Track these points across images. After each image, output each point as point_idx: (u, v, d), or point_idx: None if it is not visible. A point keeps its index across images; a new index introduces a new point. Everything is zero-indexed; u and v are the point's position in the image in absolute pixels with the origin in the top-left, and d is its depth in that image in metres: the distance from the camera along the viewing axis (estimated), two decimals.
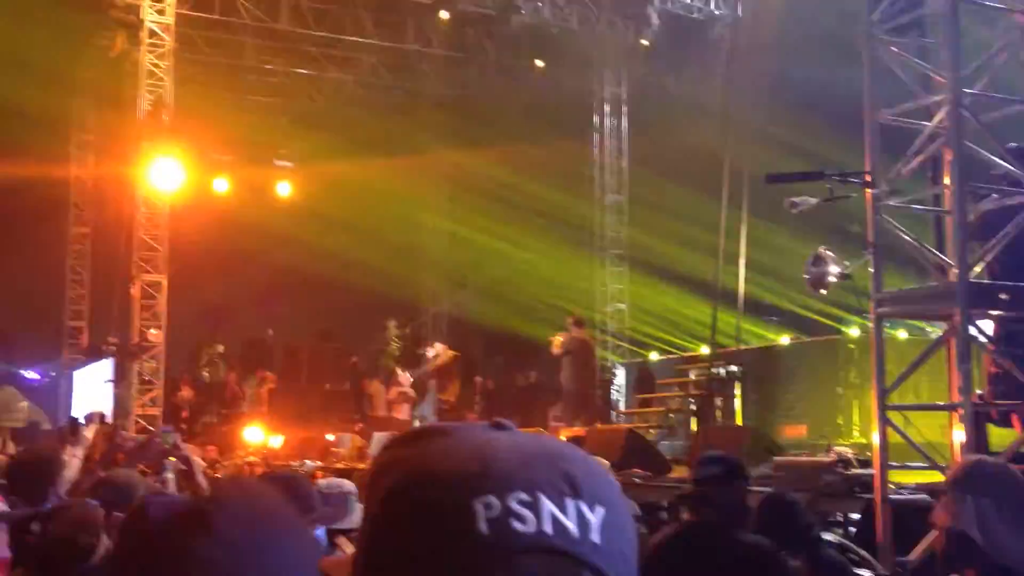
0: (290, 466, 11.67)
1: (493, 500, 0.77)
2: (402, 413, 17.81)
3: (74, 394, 21.06)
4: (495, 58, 19.07)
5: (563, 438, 12.10)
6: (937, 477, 5.75)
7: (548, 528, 0.77)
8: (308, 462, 13.15)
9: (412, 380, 17.02)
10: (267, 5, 17.72)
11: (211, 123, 18.55)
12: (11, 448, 10.44)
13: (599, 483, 0.82)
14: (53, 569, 3.18)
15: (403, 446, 0.85)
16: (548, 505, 0.77)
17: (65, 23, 16.88)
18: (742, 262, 6.93)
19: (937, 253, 6.38)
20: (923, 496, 6.11)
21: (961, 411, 5.94)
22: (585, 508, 0.79)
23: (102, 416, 7.06)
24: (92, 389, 18.70)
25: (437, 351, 16.47)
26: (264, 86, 20.47)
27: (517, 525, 0.76)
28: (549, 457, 0.81)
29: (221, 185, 19.83)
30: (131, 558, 1.20)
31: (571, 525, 0.77)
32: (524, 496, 0.77)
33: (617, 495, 0.83)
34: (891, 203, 6.49)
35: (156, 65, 15.81)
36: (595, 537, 0.78)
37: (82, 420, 7.55)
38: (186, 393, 17.96)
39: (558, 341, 14.85)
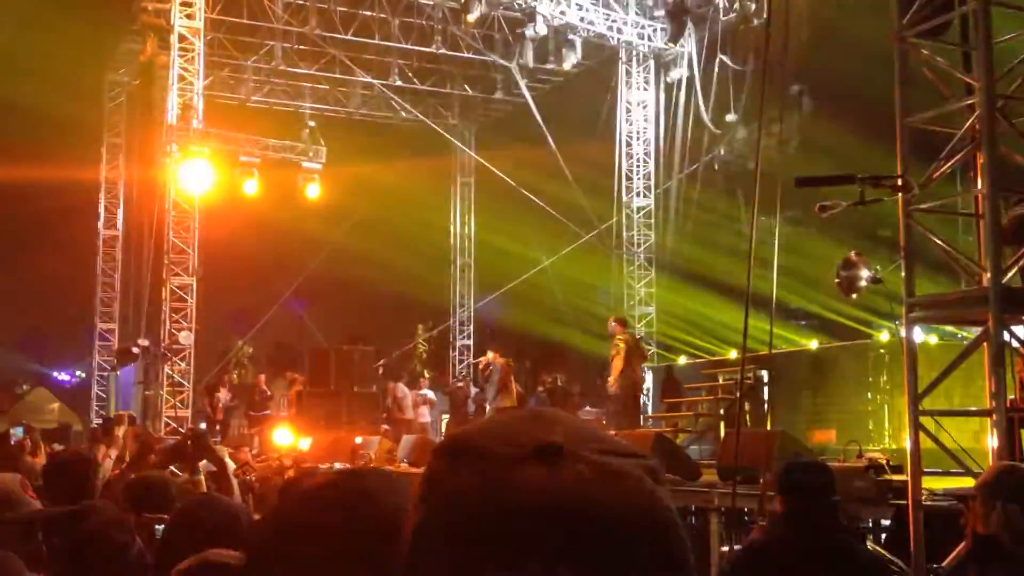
0: (319, 468, 11.71)
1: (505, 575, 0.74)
2: (423, 416, 17.88)
3: (105, 396, 21.27)
4: (521, 61, 19.09)
5: None
6: (969, 483, 5.69)
7: None
8: (337, 464, 13.21)
9: (474, 392, 16.40)
10: (295, 9, 17.86)
11: (240, 126, 18.68)
12: (42, 449, 10.55)
13: (633, 540, 0.76)
14: (88, 567, 3.21)
15: (435, 476, 0.81)
16: None
17: (95, 28, 17.07)
18: (775, 266, 6.88)
19: (969, 258, 6.32)
20: (954, 502, 6.05)
21: (995, 417, 5.88)
22: None
23: (132, 418, 7.12)
24: (123, 390, 18.89)
25: (489, 359, 15.84)
26: (292, 89, 20.60)
27: None
28: (578, 519, 0.75)
29: (250, 187, 19.95)
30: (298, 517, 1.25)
31: None
32: (539, 570, 0.73)
33: (660, 547, 0.77)
34: (923, 207, 6.44)
35: (186, 69, 15.94)
36: None
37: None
38: (223, 395, 18.07)
39: (620, 347, 14.21)
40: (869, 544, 5.62)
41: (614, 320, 14.75)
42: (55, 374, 26.12)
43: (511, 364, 15.89)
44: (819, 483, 4.02)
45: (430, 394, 18.16)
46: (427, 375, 18.10)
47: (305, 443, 15.26)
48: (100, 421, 17.45)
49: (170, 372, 15.49)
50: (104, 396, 21.36)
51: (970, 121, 6.19)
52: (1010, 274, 6.09)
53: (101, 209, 21.85)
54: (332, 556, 1.21)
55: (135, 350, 17.58)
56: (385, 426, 16.56)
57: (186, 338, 15.44)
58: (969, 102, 6.23)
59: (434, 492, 0.79)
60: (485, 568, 0.74)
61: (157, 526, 3.77)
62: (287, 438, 15.24)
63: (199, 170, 15.65)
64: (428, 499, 0.79)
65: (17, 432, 9.19)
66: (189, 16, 15.99)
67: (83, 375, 22.16)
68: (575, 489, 0.75)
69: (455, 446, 0.81)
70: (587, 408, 17.83)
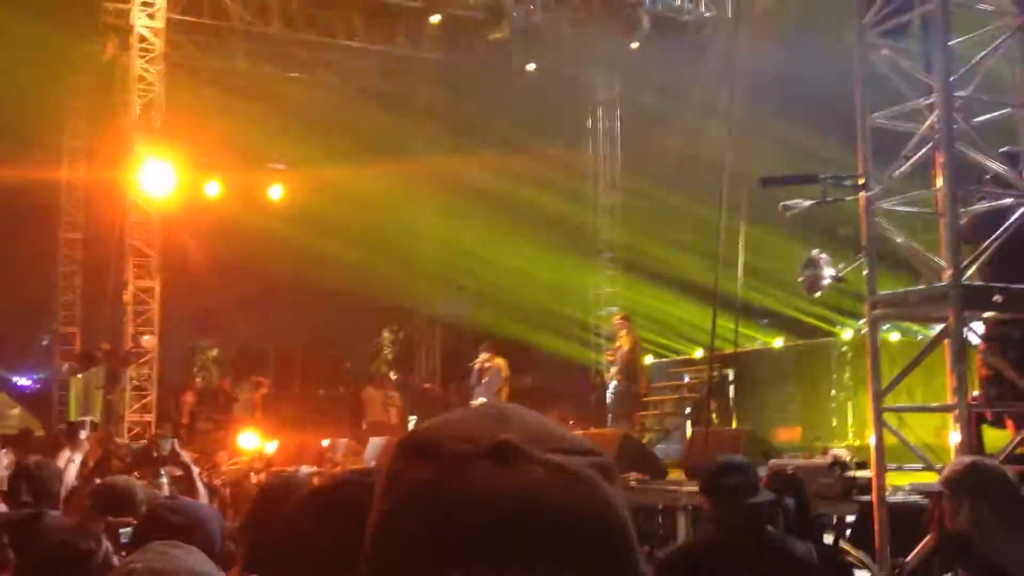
0: (286, 471, 11.64)
1: (453, 574, 0.75)
2: (393, 417, 17.82)
3: (67, 401, 20.99)
4: (486, 62, 19.08)
5: None
6: (932, 478, 5.76)
7: None
8: (304, 468, 13.13)
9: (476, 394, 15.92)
10: (258, 9, 17.72)
11: (202, 128, 18.51)
12: (3, 455, 10.39)
13: (581, 540, 0.78)
14: (54, 574, 3.19)
15: (394, 473, 0.83)
16: None
17: (56, 29, 16.86)
18: (740, 265, 6.93)
19: (930, 255, 6.40)
20: (918, 498, 6.12)
21: (957, 412, 5.96)
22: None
23: (93, 423, 7.04)
24: (84, 395, 18.65)
25: (483, 360, 15.53)
26: (255, 90, 20.45)
27: None
28: (528, 518, 0.77)
29: (213, 189, 19.78)
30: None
31: None
32: (489, 570, 0.75)
33: (608, 547, 0.79)
34: (884, 206, 6.51)
35: (146, 70, 15.79)
36: None
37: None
38: (190, 398, 17.91)
39: (626, 340, 14.12)
40: (832, 539, 5.67)
41: (620, 317, 14.60)
42: (14, 379, 25.71)
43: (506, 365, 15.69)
44: (739, 483, 4.03)
45: (396, 396, 18.10)
46: (393, 376, 18.04)
47: (271, 446, 15.17)
48: (63, 426, 17.23)
49: (133, 376, 15.32)
50: (65, 401, 21.10)
51: (929, 120, 6.27)
52: (970, 271, 6.18)
53: (62, 211, 21.58)
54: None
55: (97, 354, 17.38)
56: (354, 429, 16.52)
57: (149, 342, 15.28)
58: (928, 101, 6.30)
59: (392, 489, 0.82)
60: (438, 566, 0.75)
61: (122, 529, 3.73)
62: (253, 441, 15.14)
63: (161, 172, 15.51)
64: (386, 496, 0.81)
65: None
66: (150, 16, 15.84)
67: (43, 379, 21.82)
68: (527, 489, 0.78)
69: (413, 443, 0.83)
70: (554, 409, 17.85)
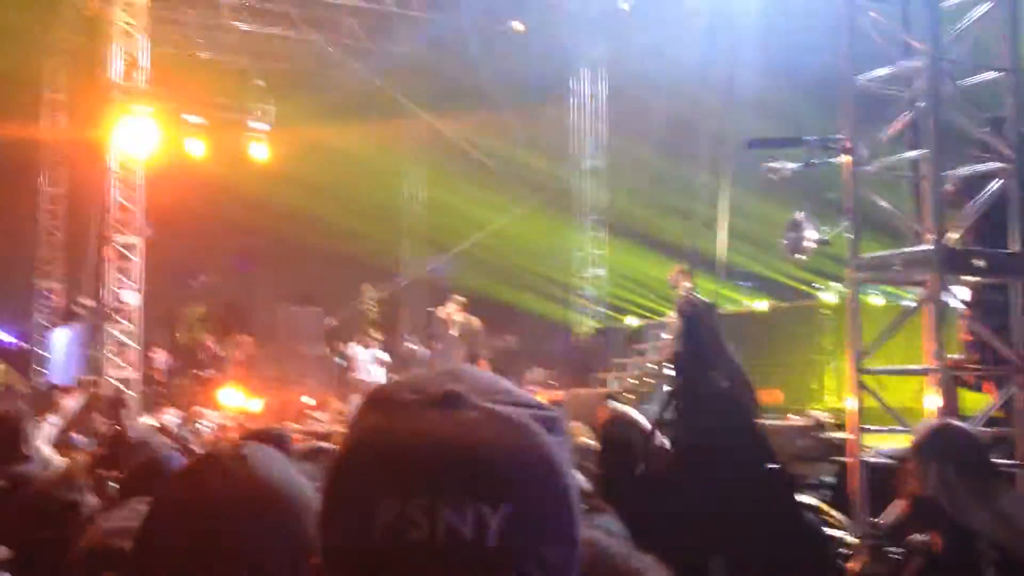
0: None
1: (392, 504, 0.80)
2: (379, 377, 17.81)
3: (48, 357, 20.90)
4: (472, 20, 18.89)
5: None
6: (909, 440, 5.81)
7: (441, 535, 0.79)
8: (288, 424, 13.16)
9: (435, 350, 15.53)
10: None
11: (185, 84, 18.33)
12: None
13: (510, 478, 0.83)
14: (36, 527, 3.17)
15: (354, 421, 0.90)
16: (445, 511, 0.80)
17: None
18: (723, 228, 6.94)
19: (913, 219, 6.41)
20: (895, 460, 6.18)
21: (938, 375, 6.00)
22: (487, 509, 0.80)
23: (82, 381, 7.03)
24: (66, 351, 18.57)
25: (451, 312, 15.02)
26: (240, 47, 20.23)
27: (411, 532, 0.80)
28: (461, 455, 0.82)
29: (196, 148, 19.60)
30: None
31: (466, 530, 0.80)
32: (422, 501, 0.80)
33: (536, 486, 0.84)
34: (869, 169, 6.51)
35: (130, 24, 15.59)
36: (491, 540, 0.80)
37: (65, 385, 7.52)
38: (159, 355, 17.87)
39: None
40: (811, 498, 5.73)
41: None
42: None
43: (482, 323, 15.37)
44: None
45: (384, 355, 18.08)
46: (378, 337, 18.01)
47: (256, 404, 15.19)
48: (44, 384, 17.14)
49: (115, 332, 15.26)
50: (46, 357, 21.02)
51: (914, 83, 6.25)
52: (953, 236, 6.20)
53: (42, 167, 21.38)
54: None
55: (79, 310, 17.30)
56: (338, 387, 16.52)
57: (130, 297, 15.20)
58: (915, 64, 6.28)
59: (348, 435, 0.89)
60: (377, 499, 0.81)
61: (111, 483, 3.74)
62: (236, 399, 15.16)
63: (143, 129, 15.36)
64: (344, 441, 0.89)
65: None
66: None
67: (23, 337, 21.70)
68: (462, 429, 0.83)
69: (375, 396, 0.91)
70: (536, 368, 17.91)
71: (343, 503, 0.84)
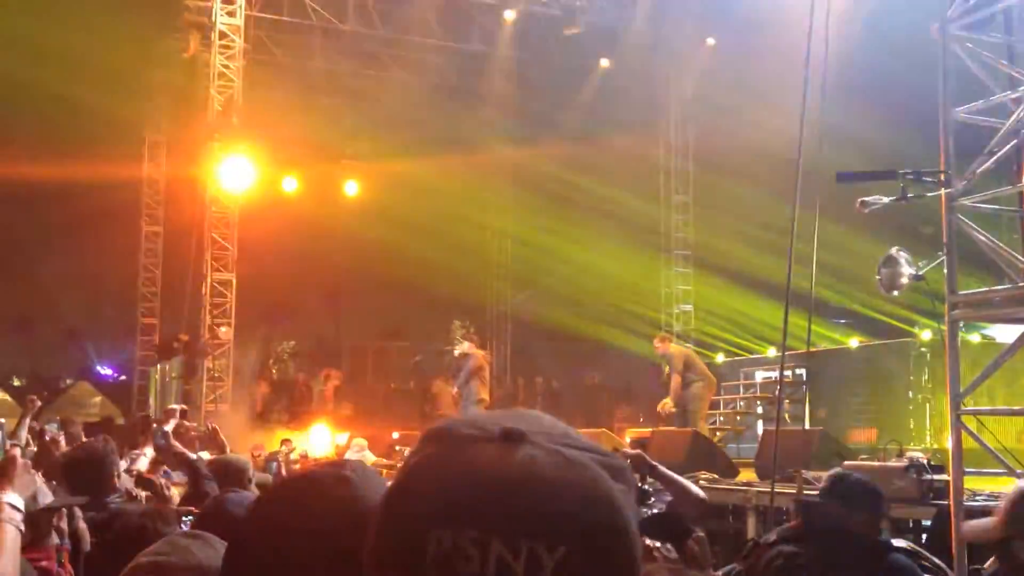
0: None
1: (446, 536, 0.79)
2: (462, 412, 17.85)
3: (146, 390, 21.51)
4: (560, 58, 19.02)
5: (628, 439, 12.03)
6: (1012, 483, 5.60)
7: (491, 570, 0.78)
8: (370, 454, 13.28)
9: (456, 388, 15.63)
10: (334, 6, 17.92)
11: (280, 123, 18.79)
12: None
13: (570, 520, 0.80)
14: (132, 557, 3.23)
15: (411, 453, 0.90)
16: (498, 546, 0.78)
17: (138, 26, 17.25)
18: (814, 263, 6.81)
19: (1015, 254, 6.21)
20: (998, 503, 5.95)
21: None
22: (542, 549, 0.78)
23: (183, 411, 7.16)
24: (162, 385, 19.08)
25: (464, 350, 15.10)
26: (332, 86, 20.70)
27: (462, 564, 0.78)
28: (519, 492, 0.80)
29: (290, 185, 20.06)
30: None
31: (518, 568, 0.78)
32: (475, 534, 0.79)
33: (597, 531, 0.81)
34: (966, 203, 6.33)
35: (226, 66, 16.07)
36: None
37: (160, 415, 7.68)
38: (264, 389, 18.20)
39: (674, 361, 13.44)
40: (907, 543, 5.54)
41: (658, 339, 13.90)
42: (98, 368, 26.38)
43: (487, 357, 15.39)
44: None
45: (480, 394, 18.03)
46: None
47: (342, 439, 15.35)
48: (140, 416, 17.62)
49: (210, 367, 15.62)
50: (145, 391, 21.61)
51: (1016, 114, 6.09)
52: None
53: (143, 206, 22.11)
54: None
55: (176, 345, 17.77)
56: (424, 423, 16.58)
57: (225, 333, 15.57)
58: (1014, 95, 6.12)
59: (404, 466, 0.88)
60: (429, 529, 0.80)
61: (185, 518, 3.80)
62: (325, 436, 15.34)
63: (239, 167, 15.77)
64: (399, 472, 0.89)
65: (51, 427, 9.25)
66: (230, 14, 16.11)
67: (125, 363, 22.36)
68: (522, 466, 0.82)
69: (434, 430, 0.90)
70: (623, 406, 17.76)
71: (395, 532, 0.83)
